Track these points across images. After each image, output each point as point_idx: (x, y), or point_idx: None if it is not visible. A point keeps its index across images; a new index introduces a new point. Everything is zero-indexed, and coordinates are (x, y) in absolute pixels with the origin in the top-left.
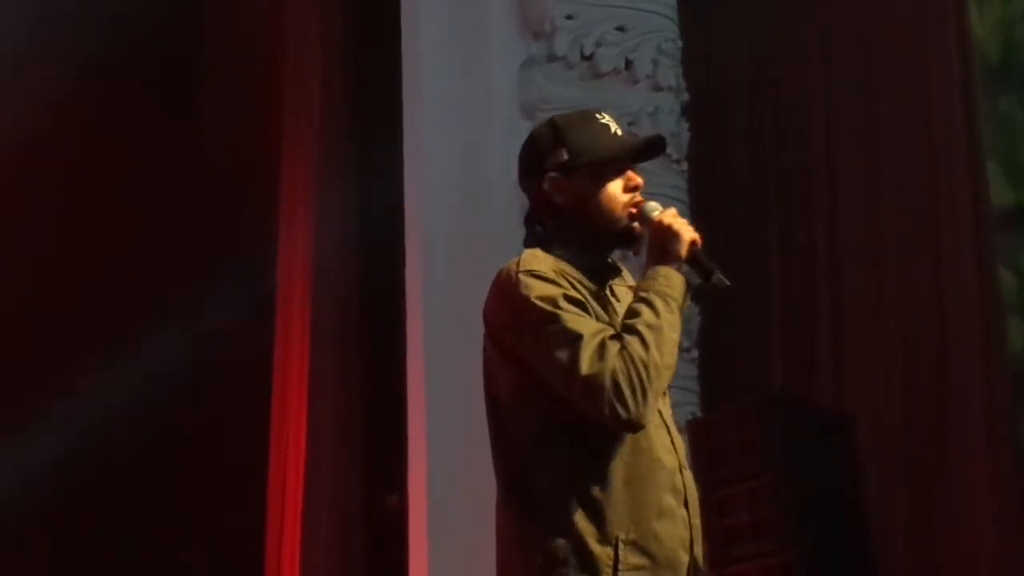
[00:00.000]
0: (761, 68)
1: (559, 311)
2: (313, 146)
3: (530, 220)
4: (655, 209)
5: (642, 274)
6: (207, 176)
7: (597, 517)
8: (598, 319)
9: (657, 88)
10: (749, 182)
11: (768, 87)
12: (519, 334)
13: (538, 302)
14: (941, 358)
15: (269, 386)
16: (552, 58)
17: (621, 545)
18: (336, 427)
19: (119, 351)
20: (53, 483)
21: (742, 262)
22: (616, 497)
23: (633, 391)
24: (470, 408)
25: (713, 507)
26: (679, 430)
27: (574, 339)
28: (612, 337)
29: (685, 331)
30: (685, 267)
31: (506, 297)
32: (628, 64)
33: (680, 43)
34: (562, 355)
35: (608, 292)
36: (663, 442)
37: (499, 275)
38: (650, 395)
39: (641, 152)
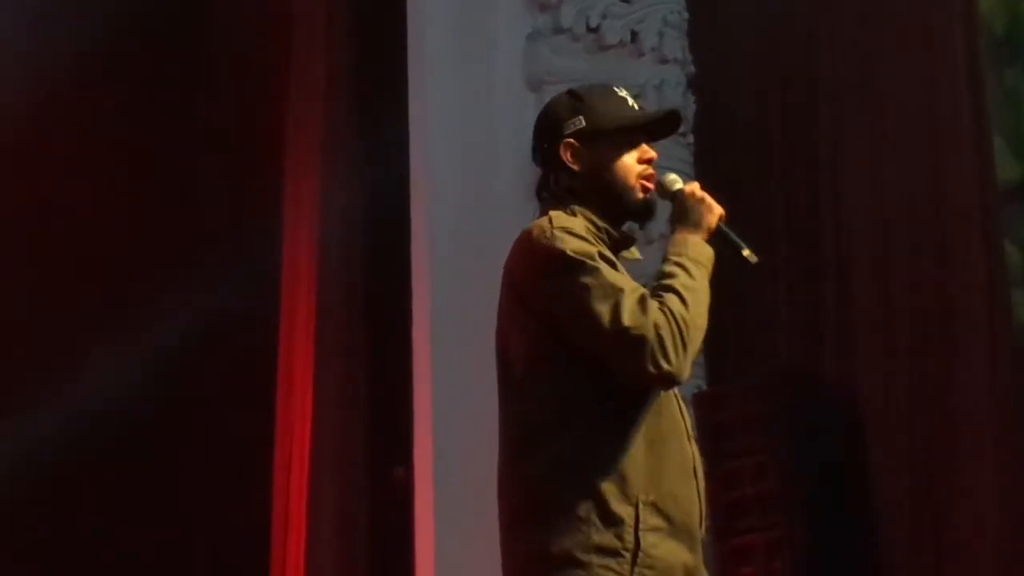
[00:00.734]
0: (766, 42)
1: (597, 264)
2: (318, 122)
3: (544, 188)
4: (676, 181)
5: (670, 241)
6: (211, 156)
7: (619, 477)
8: None
9: (663, 61)
10: (755, 156)
11: (774, 60)
12: (553, 287)
13: (575, 255)
14: (947, 331)
15: (275, 364)
16: (558, 30)
17: (641, 505)
18: (342, 402)
19: (122, 332)
20: (53, 475)
21: (748, 236)
22: (638, 458)
23: (675, 345)
24: (476, 382)
25: (719, 480)
26: (686, 403)
27: (616, 292)
28: (650, 295)
29: None
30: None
31: (541, 251)
32: (634, 36)
33: (686, 15)
34: (603, 307)
35: (621, 261)
36: (673, 409)
37: (529, 231)
38: (689, 351)
39: (657, 125)
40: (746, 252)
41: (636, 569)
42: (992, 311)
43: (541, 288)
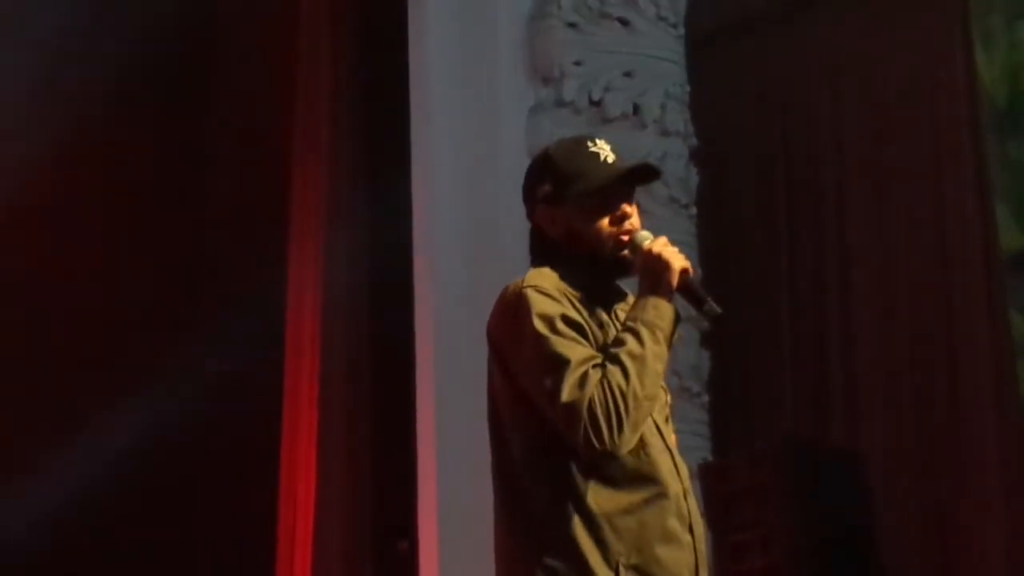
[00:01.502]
0: (769, 114)
1: (552, 334)
2: (322, 187)
3: (532, 247)
4: (646, 238)
5: (632, 305)
6: (216, 217)
7: (599, 540)
8: (596, 343)
9: (665, 133)
10: (759, 227)
11: (777, 132)
12: (515, 350)
13: (536, 319)
14: (952, 401)
15: (278, 434)
16: (560, 103)
17: (623, 570)
18: (346, 471)
19: (127, 392)
20: (54, 533)
21: (752, 306)
22: (618, 521)
23: (609, 422)
24: (481, 451)
25: (726, 551)
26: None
27: (561, 364)
28: (596, 366)
29: (695, 375)
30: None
31: (509, 311)
32: (636, 109)
33: (688, 88)
34: (547, 380)
35: (613, 317)
36: (667, 466)
37: (504, 290)
38: (626, 426)
39: (628, 178)
40: (707, 306)
41: None
42: (997, 380)
43: (510, 349)
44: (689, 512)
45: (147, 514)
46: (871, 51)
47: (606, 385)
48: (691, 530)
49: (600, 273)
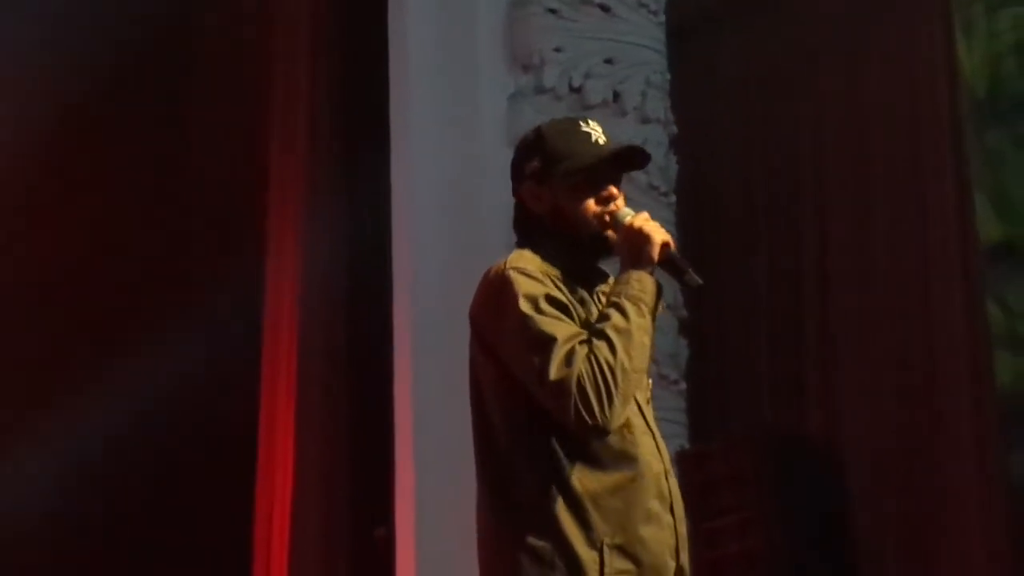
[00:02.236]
0: (750, 103)
1: (536, 313)
2: (300, 177)
3: (516, 225)
4: (627, 215)
5: (615, 280)
6: (194, 210)
7: (583, 520)
8: (579, 322)
9: (645, 120)
10: (738, 215)
11: (757, 121)
12: (500, 332)
13: (521, 300)
14: (930, 390)
15: (256, 419)
16: (541, 90)
17: (607, 549)
18: (323, 457)
19: (105, 380)
20: (29, 524)
21: (730, 294)
22: (602, 501)
23: (599, 396)
24: (459, 437)
25: (702, 538)
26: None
27: (547, 343)
28: (583, 342)
29: (673, 363)
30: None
31: (492, 293)
32: (616, 96)
33: (668, 76)
34: (535, 359)
35: (595, 298)
36: (650, 447)
37: (487, 272)
38: (616, 400)
39: (617, 160)
40: (687, 276)
41: None
42: (975, 371)
43: (494, 331)
44: (670, 492)
45: (123, 500)
46: (852, 39)
47: (593, 360)
48: (672, 511)
49: (582, 253)
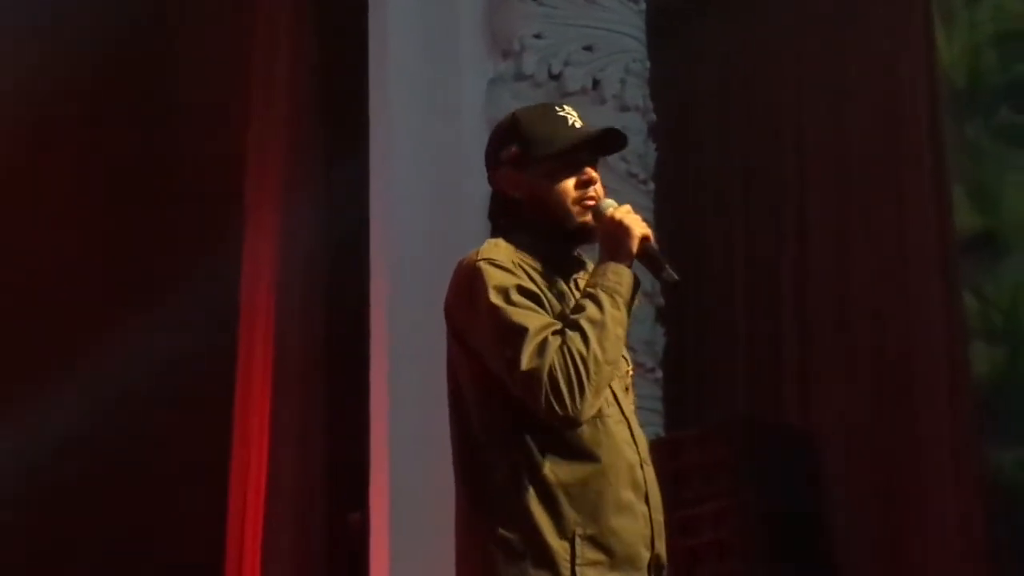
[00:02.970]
0: (729, 90)
1: (507, 305)
2: (279, 163)
3: (491, 212)
4: (610, 206)
5: (592, 271)
6: (173, 192)
7: (554, 511)
8: (553, 312)
9: (624, 108)
10: (716, 203)
11: (736, 110)
12: (473, 323)
13: (491, 292)
14: (907, 379)
15: (231, 406)
16: (520, 77)
17: (578, 540)
18: (298, 442)
19: (80, 366)
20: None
21: (708, 282)
22: (574, 491)
23: (571, 387)
24: (433, 424)
25: (677, 526)
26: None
27: (518, 333)
28: (555, 332)
29: (650, 351)
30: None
31: (464, 284)
32: (596, 84)
33: (648, 64)
34: (506, 350)
35: (572, 286)
36: (624, 437)
37: (459, 264)
38: (588, 391)
39: (594, 144)
40: (665, 273)
41: None
42: (951, 361)
43: (463, 325)
44: (646, 482)
45: (95, 485)
46: (832, 30)
47: (566, 351)
48: (647, 500)
49: (560, 240)
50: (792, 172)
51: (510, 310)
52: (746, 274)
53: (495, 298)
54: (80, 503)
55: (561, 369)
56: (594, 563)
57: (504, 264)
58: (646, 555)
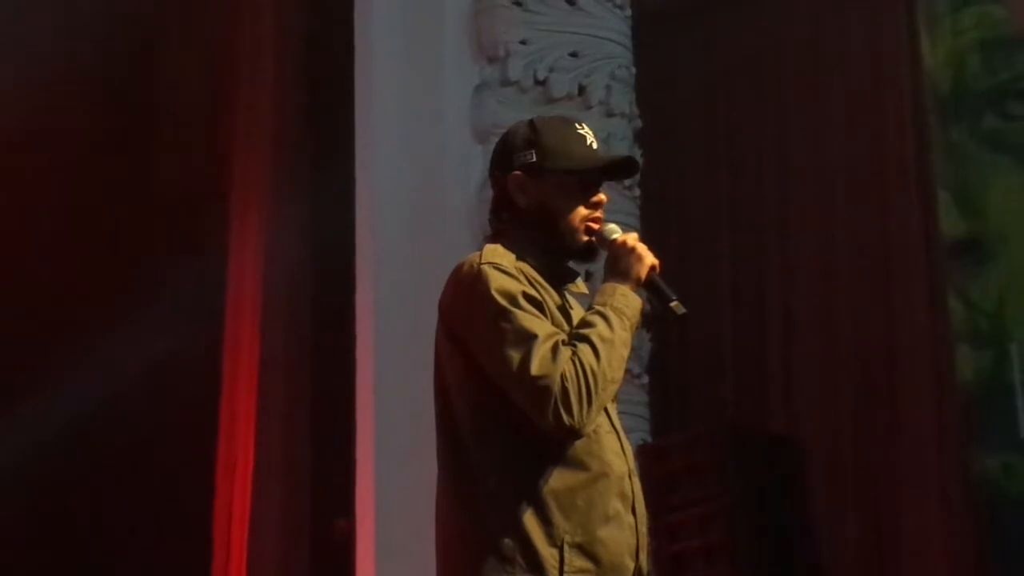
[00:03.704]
0: (714, 96)
1: (515, 308)
2: (265, 167)
3: (493, 214)
4: (615, 231)
5: (599, 290)
6: (159, 193)
7: (544, 517)
8: (553, 321)
9: (610, 114)
10: (701, 209)
11: (721, 115)
12: (473, 326)
13: (496, 295)
14: (892, 384)
15: (216, 409)
16: (505, 82)
17: (567, 548)
18: (285, 447)
19: (66, 366)
20: None
21: (693, 288)
22: (564, 499)
23: (580, 398)
24: (419, 434)
25: (663, 531)
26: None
27: (528, 338)
28: (565, 342)
29: (636, 357)
30: (641, 292)
31: (466, 287)
32: (581, 90)
33: (634, 70)
34: (514, 353)
35: (564, 297)
36: (613, 447)
37: (459, 266)
38: (595, 405)
39: (611, 168)
40: (673, 303)
41: None
42: (937, 366)
43: (461, 327)
44: (633, 493)
45: (78, 487)
46: (817, 36)
47: (577, 363)
48: (634, 511)
49: (559, 252)
50: (776, 176)
51: (519, 315)
52: (731, 280)
53: (502, 301)
54: (62, 505)
55: (572, 379)
56: (581, 571)
57: (508, 269)
58: (631, 565)
